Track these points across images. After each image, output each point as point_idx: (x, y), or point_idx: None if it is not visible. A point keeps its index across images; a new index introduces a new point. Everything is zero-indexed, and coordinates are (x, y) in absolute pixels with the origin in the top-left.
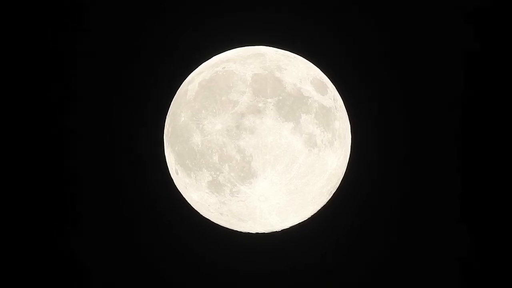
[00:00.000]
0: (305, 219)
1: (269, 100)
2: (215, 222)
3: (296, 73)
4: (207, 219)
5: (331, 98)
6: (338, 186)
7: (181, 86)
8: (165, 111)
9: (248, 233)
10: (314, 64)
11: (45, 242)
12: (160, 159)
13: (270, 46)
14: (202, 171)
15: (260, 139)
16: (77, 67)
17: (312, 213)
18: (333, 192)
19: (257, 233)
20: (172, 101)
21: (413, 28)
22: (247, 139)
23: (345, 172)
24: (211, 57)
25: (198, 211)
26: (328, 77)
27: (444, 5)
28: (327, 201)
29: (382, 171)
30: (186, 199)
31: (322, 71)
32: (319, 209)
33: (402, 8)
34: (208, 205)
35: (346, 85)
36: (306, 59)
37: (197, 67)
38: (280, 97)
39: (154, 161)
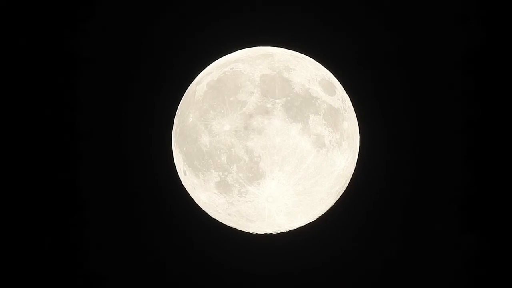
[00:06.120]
0: (313, 219)
1: (277, 100)
2: (223, 222)
3: (304, 73)
4: (215, 219)
5: (339, 99)
6: (347, 187)
7: (189, 86)
8: (174, 112)
9: (256, 234)
10: (322, 65)
11: (52, 241)
12: (168, 159)
13: (278, 46)
14: (210, 172)
15: (268, 139)
16: (85, 67)
17: (320, 214)
18: (341, 193)
19: (265, 234)
20: (181, 102)
21: (422, 29)
22: (255, 140)
23: (354, 173)
24: (220, 57)
25: (206, 212)
26: (337, 78)
27: (454, 5)
28: (335, 201)
29: (390, 172)
30: (194, 199)
31: (331, 72)
32: (327, 210)
33: (412, 9)
34: (216, 206)
35: (354, 86)
36: (315, 60)
37: (206, 67)
38: (289, 98)
39: (162, 161)
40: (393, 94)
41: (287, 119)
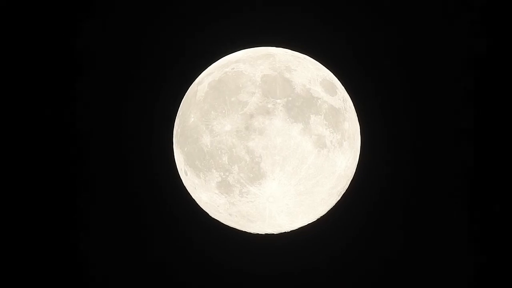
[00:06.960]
0: (314, 220)
1: (278, 101)
2: (224, 223)
3: (305, 74)
4: (216, 220)
5: (340, 99)
6: (348, 187)
7: (190, 87)
8: (175, 112)
9: (257, 234)
10: (323, 65)
11: (53, 243)
12: (169, 159)
13: (279, 47)
14: (211, 172)
15: (269, 140)
16: (85, 67)
17: (321, 214)
18: (342, 193)
19: (266, 234)
20: (182, 102)
21: (422, 29)
22: (256, 140)
23: (355, 173)
24: (220, 57)
25: (207, 212)
26: (338, 78)
27: (454, 5)
28: (336, 202)
29: (391, 172)
30: (195, 199)
31: (332, 72)
32: (329, 210)
33: (412, 9)
34: (217, 206)
35: (355, 86)
36: (316, 60)
37: (206, 67)
38: (290, 98)
39: (162, 161)
40: (394, 94)
41: (288, 120)
